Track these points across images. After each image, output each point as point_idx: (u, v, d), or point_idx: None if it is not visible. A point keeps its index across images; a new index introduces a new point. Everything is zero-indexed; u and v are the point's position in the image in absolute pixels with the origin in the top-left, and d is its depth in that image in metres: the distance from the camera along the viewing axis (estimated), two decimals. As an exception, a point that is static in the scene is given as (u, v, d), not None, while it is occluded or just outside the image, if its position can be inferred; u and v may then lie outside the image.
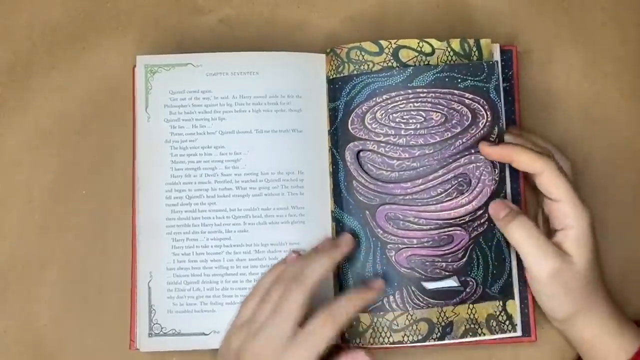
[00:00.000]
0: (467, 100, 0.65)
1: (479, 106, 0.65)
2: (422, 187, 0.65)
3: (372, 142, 0.65)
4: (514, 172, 0.66)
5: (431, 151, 0.65)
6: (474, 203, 0.64)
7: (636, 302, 0.69)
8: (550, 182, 0.61)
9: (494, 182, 0.65)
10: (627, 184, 0.72)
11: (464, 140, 0.65)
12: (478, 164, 0.65)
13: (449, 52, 0.67)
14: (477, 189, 0.64)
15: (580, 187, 0.70)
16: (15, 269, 0.70)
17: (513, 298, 0.65)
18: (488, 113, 0.65)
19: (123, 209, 0.69)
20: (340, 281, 0.66)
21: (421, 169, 0.65)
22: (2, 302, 0.69)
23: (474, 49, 0.67)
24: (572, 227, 0.61)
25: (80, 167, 0.72)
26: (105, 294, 0.69)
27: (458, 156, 0.65)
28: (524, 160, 0.62)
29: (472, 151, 0.65)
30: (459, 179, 0.65)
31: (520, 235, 0.61)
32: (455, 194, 0.65)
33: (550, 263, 0.60)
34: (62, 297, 0.69)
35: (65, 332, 0.69)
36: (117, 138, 0.71)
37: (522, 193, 0.67)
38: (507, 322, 0.65)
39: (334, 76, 0.67)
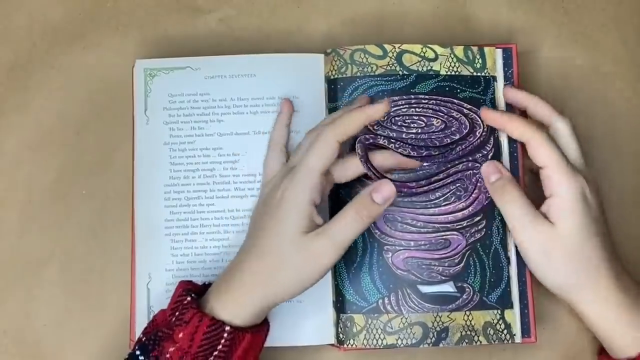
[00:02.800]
0: (465, 110, 0.66)
1: (477, 116, 0.66)
2: (424, 188, 0.65)
3: (382, 138, 0.65)
4: (514, 170, 0.67)
5: (436, 153, 0.65)
6: (470, 209, 0.65)
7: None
8: (536, 149, 0.62)
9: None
10: (627, 183, 0.72)
11: (463, 146, 0.66)
12: (475, 171, 0.65)
13: (452, 59, 0.67)
14: (473, 195, 0.65)
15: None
16: (15, 269, 0.70)
17: (512, 308, 0.65)
18: (484, 124, 0.66)
19: (123, 209, 0.69)
20: (336, 282, 0.66)
21: (421, 172, 0.66)
22: (2, 302, 0.70)
23: (477, 56, 0.67)
24: (558, 194, 0.61)
25: (80, 167, 0.72)
26: (105, 294, 0.69)
27: (457, 162, 0.66)
28: (515, 127, 0.63)
29: (470, 158, 0.66)
30: (457, 185, 0.65)
31: (506, 200, 0.62)
32: (452, 198, 0.65)
33: (529, 229, 0.61)
34: (62, 297, 0.70)
35: (65, 332, 0.69)
36: (117, 138, 0.71)
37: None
38: (505, 331, 0.65)
39: (336, 76, 0.68)
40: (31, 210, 0.71)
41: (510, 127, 0.63)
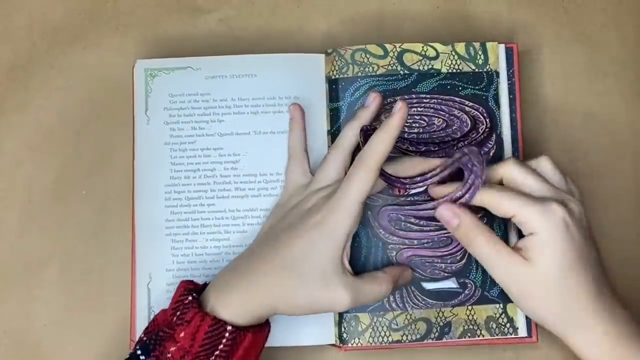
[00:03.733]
0: (467, 108, 0.66)
1: (479, 113, 0.67)
2: (421, 184, 0.63)
3: None
4: None
5: (436, 149, 0.65)
6: (467, 197, 0.60)
7: (636, 304, 0.69)
8: (497, 208, 0.59)
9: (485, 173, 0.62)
10: (627, 183, 0.72)
11: (465, 143, 0.66)
12: (471, 155, 0.61)
13: (454, 56, 0.67)
14: (469, 181, 0.60)
15: (580, 186, 0.70)
16: (15, 269, 0.70)
17: (512, 301, 0.65)
18: (487, 120, 0.66)
19: (123, 209, 0.69)
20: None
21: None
22: (2, 302, 0.70)
23: (480, 52, 0.67)
24: (536, 232, 0.57)
25: (80, 167, 0.72)
26: (105, 294, 0.69)
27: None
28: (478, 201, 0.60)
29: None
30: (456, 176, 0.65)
31: (475, 244, 0.60)
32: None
33: (504, 269, 0.58)
34: (62, 297, 0.69)
35: (65, 332, 0.69)
36: (117, 138, 0.71)
37: None
38: (508, 325, 0.65)
39: (337, 76, 0.68)
40: (31, 210, 0.71)
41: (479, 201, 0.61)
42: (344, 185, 0.59)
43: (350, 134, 0.64)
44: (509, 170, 0.61)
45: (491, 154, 0.66)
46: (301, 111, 0.67)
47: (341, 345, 0.65)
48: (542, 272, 0.57)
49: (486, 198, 0.59)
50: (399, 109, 0.58)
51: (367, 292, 0.60)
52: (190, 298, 0.57)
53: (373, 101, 0.65)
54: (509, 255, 0.58)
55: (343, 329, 0.65)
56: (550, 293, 0.58)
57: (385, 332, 0.65)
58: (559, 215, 0.57)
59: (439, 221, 0.63)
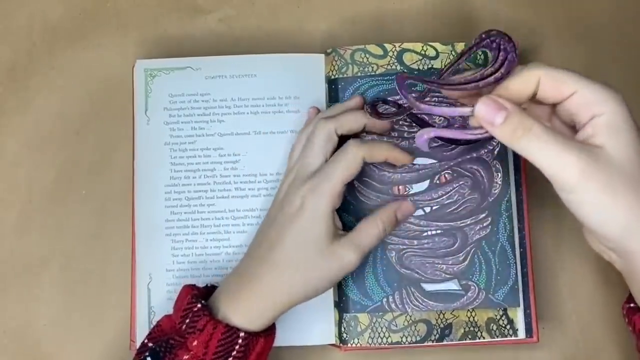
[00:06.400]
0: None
1: None
2: (426, 187, 0.63)
3: (392, 103, 0.63)
4: (518, 177, 0.66)
5: (439, 143, 0.65)
6: (502, 71, 0.53)
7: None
8: (555, 79, 0.51)
9: (496, 185, 0.65)
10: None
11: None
12: (497, 37, 0.54)
13: (453, 56, 0.67)
14: (500, 57, 0.54)
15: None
16: (15, 269, 0.70)
17: (518, 305, 0.65)
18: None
19: (123, 209, 0.69)
20: (339, 282, 0.66)
21: (422, 171, 0.65)
22: (2, 302, 0.70)
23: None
24: (603, 112, 0.49)
25: (80, 167, 0.72)
26: (105, 294, 0.69)
27: (459, 159, 0.65)
28: (516, 84, 0.52)
29: (474, 154, 0.64)
30: (461, 182, 0.65)
31: (530, 142, 0.49)
32: (456, 196, 0.65)
33: (577, 161, 0.48)
34: (62, 297, 0.69)
35: (65, 332, 0.69)
36: (117, 138, 0.71)
37: (525, 200, 0.66)
38: (508, 327, 0.65)
39: (337, 76, 0.68)
40: (31, 210, 0.71)
41: (513, 89, 0.52)
42: (327, 169, 0.60)
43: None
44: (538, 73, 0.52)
45: (495, 152, 0.65)
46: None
47: (341, 345, 0.65)
48: (621, 156, 0.49)
49: (540, 72, 0.51)
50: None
51: (365, 237, 0.60)
52: (199, 305, 0.57)
53: (353, 99, 0.66)
54: (577, 144, 0.49)
55: (343, 329, 0.65)
56: (630, 181, 0.49)
57: (384, 333, 0.65)
58: (620, 94, 0.50)
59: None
